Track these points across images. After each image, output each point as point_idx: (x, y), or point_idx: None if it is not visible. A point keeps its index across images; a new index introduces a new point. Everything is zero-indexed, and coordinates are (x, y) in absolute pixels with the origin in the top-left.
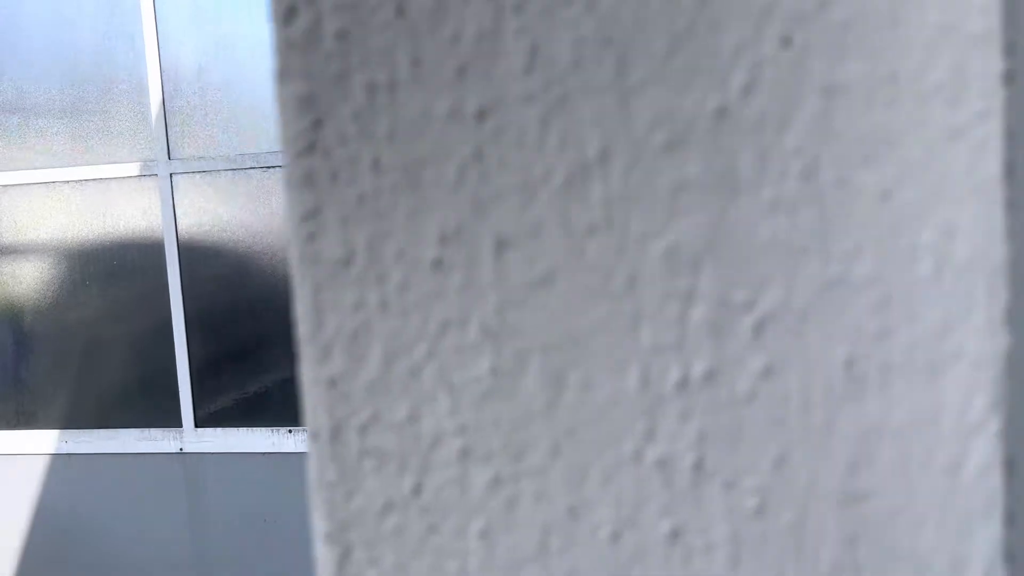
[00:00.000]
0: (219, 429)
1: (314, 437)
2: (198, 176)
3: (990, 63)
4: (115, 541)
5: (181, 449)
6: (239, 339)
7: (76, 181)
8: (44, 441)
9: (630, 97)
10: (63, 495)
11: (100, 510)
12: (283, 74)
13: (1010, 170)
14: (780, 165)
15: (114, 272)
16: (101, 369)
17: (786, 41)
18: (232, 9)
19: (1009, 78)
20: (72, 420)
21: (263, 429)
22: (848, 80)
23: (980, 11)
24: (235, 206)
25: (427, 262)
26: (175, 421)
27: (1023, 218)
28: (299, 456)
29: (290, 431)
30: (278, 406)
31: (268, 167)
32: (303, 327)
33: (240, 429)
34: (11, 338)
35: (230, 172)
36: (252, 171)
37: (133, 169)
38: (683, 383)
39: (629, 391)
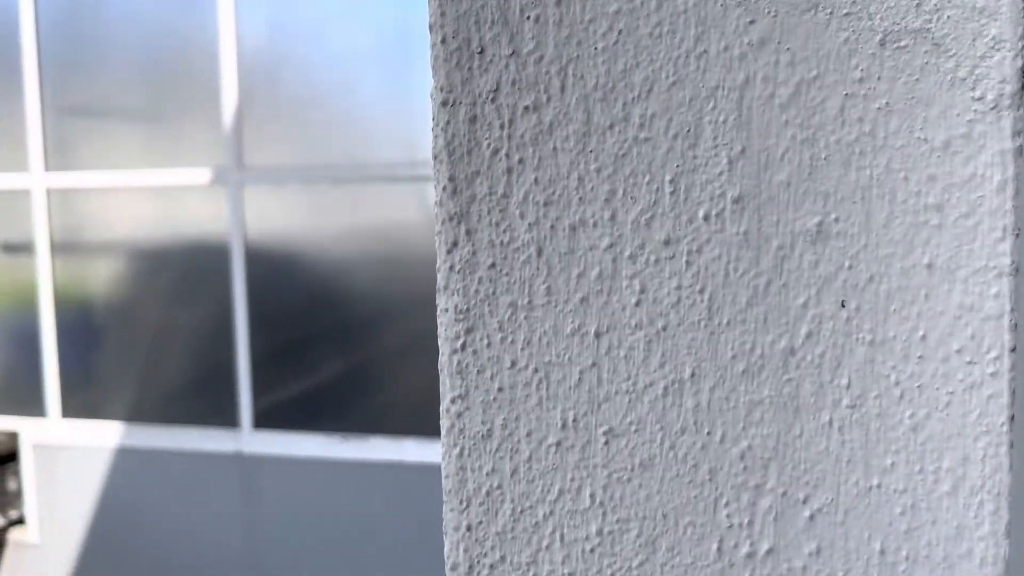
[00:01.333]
0: (276, 432)
1: (453, 569)
2: (267, 185)
3: (1000, 336)
4: (170, 536)
5: (238, 450)
6: (299, 346)
7: (150, 186)
8: (109, 434)
9: (718, 333)
10: (123, 487)
11: (157, 504)
12: (445, 289)
13: (1012, 419)
14: (834, 396)
15: (182, 275)
16: (165, 367)
17: (842, 303)
18: (310, 22)
19: (1013, 349)
20: (136, 415)
21: (318, 434)
22: (889, 337)
23: (993, 298)
24: (303, 217)
25: (550, 442)
26: (233, 421)
27: None
28: (350, 464)
29: (344, 438)
30: (334, 412)
31: (337, 180)
32: (448, 483)
33: (296, 433)
34: (81, 333)
35: (300, 183)
36: (321, 183)
37: (205, 176)
38: (751, 556)
39: (708, 559)
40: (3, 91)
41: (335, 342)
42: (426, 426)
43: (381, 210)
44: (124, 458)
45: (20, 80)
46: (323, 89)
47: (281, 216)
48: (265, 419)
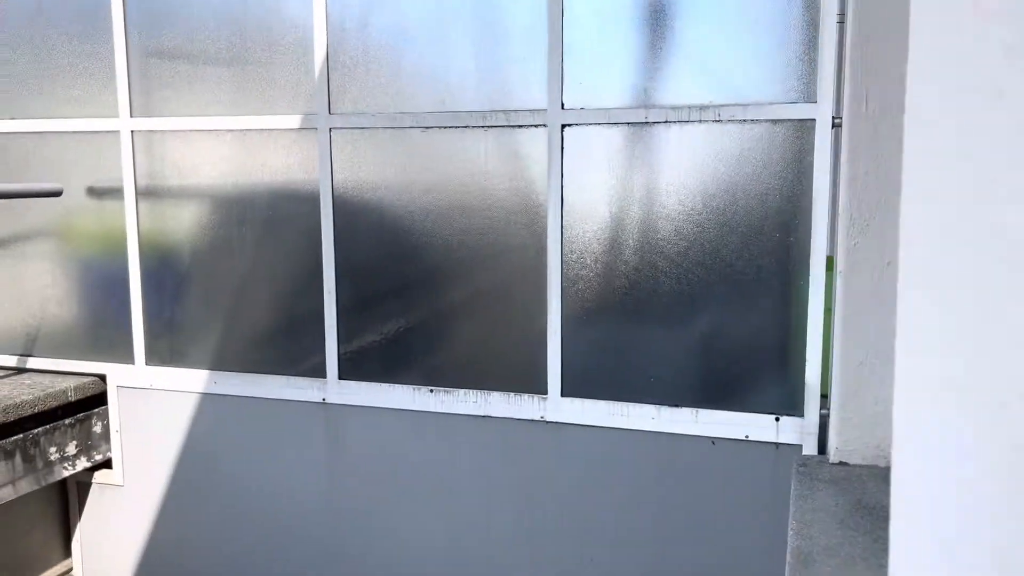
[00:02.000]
0: (362, 383)
1: None
2: (356, 132)
3: None
4: (252, 482)
5: (324, 399)
6: (387, 296)
7: (238, 130)
8: (195, 380)
9: None
10: (208, 433)
11: (242, 451)
12: None
13: None
14: None
15: (270, 222)
16: (252, 315)
17: None
18: None
19: None
20: (222, 362)
21: (405, 386)
22: None
23: None
24: (392, 164)
25: None
26: (320, 371)
27: None
28: (437, 416)
29: (431, 390)
30: (421, 364)
31: (427, 127)
32: None
33: (382, 384)
34: (168, 279)
35: (389, 130)
36: (411, 130)
37: (294, 121)
38: None
39: None
40: (91, 35)
41: (422, 293)
42: (512, 381)
43: (470, 159)
44: (208, 404)
45: (109, 24)
46: (414, 34)
47: (370, 163)
48: (351, 369)
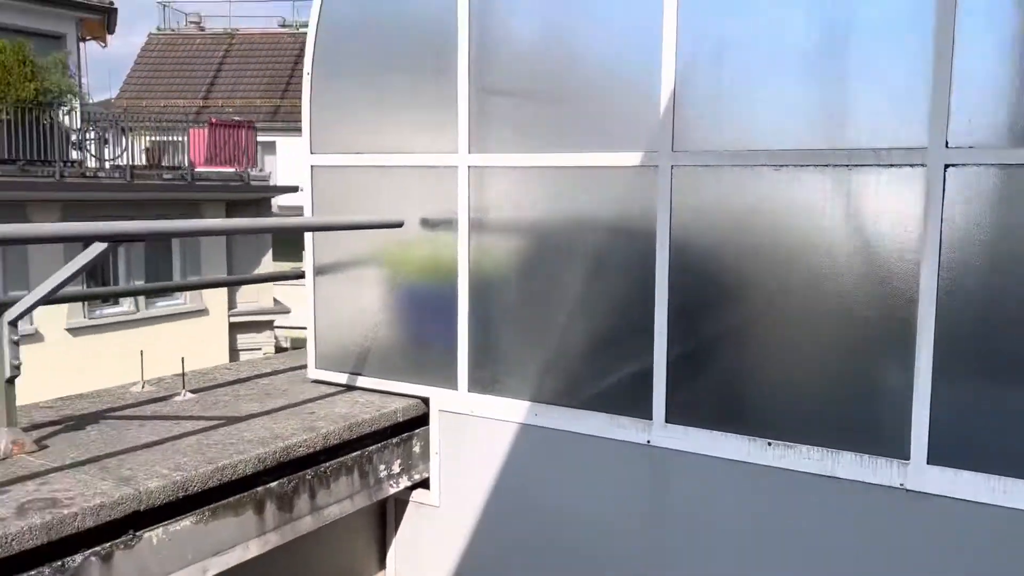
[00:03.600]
0: (690, 428)
1: None
2: (701, 169)
3: None
4: (569, 515)
5: (648, 441)
6: (721, 339)
7: (572, 167)
8: (515, 410)
9: None
10: (526, 463)
11: (559, 484)
12: None
13: None
14: None
15: (599, 258)
16: (576, 350)
17: None
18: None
19: None
20: (543, 394)
21: (739, 436)
22: None
23: None
24: (737, 203)
25: None
26: (645, 412)
27: None
28: (774, 471)
29: (769, 443)
30: (757, 413)
31: (780, 166)
32: None
33: (713, 432)
34: (495, 310)
35: (736, 168)
36: (760, 169)
37: (631, 159)
38: None
39: None
40: (435, 75)
41: (759, 337)
42: (865, 441)
43: (822, 198)
44: (527, 435)
45: (453, 64)
46: (771, 68)
47: (713, 202)
48: (679, 412)
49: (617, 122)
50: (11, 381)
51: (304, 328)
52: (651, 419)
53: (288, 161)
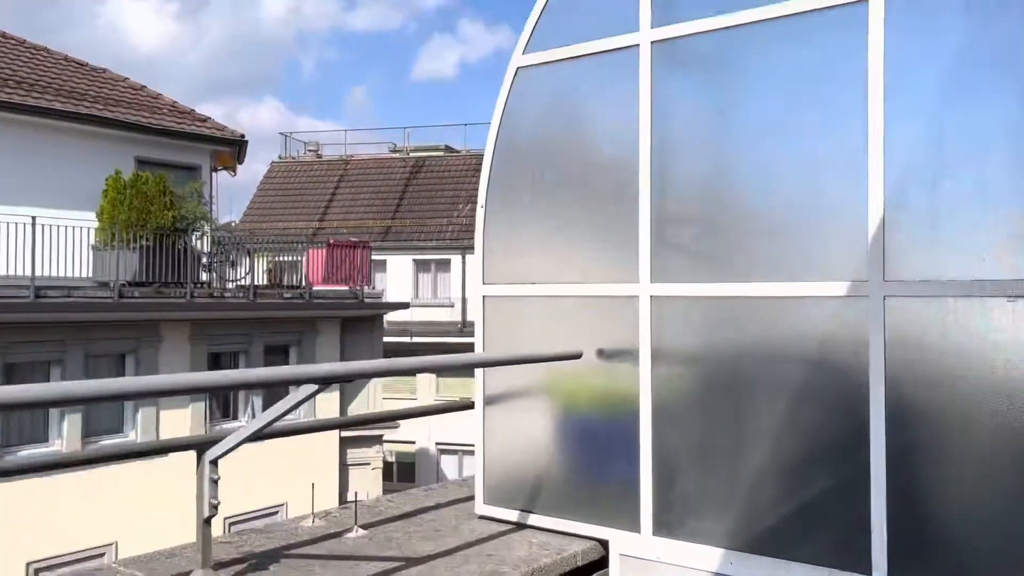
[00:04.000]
0: None
1: None
2: (918, 301)
3: None
4: None
5: None
6: (946, 484)
7: (765, 297)
8: (707, 557)
9: None
10: None
11: None
12: None
13: None
14: None
15: (800, 393)
16: (777, 491)
17: None
18: (964, 100)
19: None
20: (739, 541)
21: None
22: None
23: None
24: (960, 336)
25: None
26: (862, 566)
27: None
28: None
29: None
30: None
31: (1015, 297)
32: None
33: None
34: (681, 445)
35: (959, 299)
36: (989, 299)
37: (835, 288)
38: None
39: None
40: (615, 205)
41: (987, 486)
42: None
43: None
44: None
45: (634, 193)
46: (984, 186)
47: (935, 334)
48: (904, 566)
49: (815, 250)
50: (208, 521)
51: (412, 443)
52: (871, 574)
53: (397, 279)
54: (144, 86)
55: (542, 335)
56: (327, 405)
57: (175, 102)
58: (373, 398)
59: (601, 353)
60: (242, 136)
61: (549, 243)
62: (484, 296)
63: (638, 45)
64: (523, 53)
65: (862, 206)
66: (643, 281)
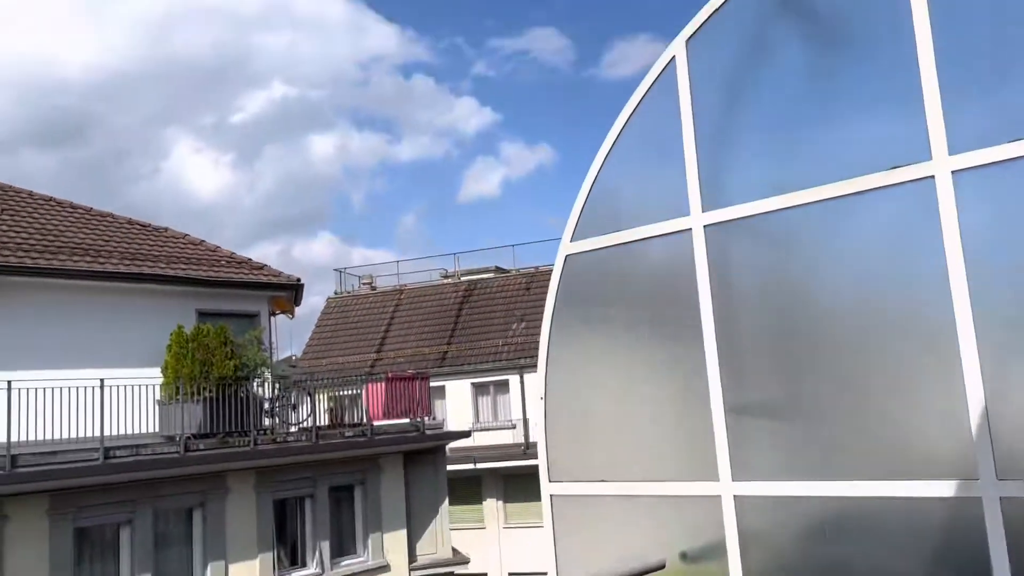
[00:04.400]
0: None
1: None
2: None
3: None
4: None
5: None
6: None
7: (857, 497)
8: None
9: None
10: None
11: None
12: None
13: None
14: None
15: None
16: None
17: None
18: None
19: None
20: None
21: None
22: None
23: None
24: None
25: None
26: None
27: None
28: None
29: None
30: None
31: None
32: None
33: None
34: None
35: None
36: None
37: (943, 489)
38: None
39: None
40: (684, 402)
41: None
42: None
43: None
44: None
45: (705, 380)
46: None
47: None
48: None
49: (912, 446)
50: None
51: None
52: None
53: (457, 404)
54: (203, 240)
55: (617, 537)
56: (393, 544)
57: (232, 253)
58: (440, 530)
59: (685, 557)
60: (298, 280)
61: (617, 433)
62: (552, 495)
63: (690, 229)
64: (571, 240)
65: (963, 404)
66: (723, 479)
